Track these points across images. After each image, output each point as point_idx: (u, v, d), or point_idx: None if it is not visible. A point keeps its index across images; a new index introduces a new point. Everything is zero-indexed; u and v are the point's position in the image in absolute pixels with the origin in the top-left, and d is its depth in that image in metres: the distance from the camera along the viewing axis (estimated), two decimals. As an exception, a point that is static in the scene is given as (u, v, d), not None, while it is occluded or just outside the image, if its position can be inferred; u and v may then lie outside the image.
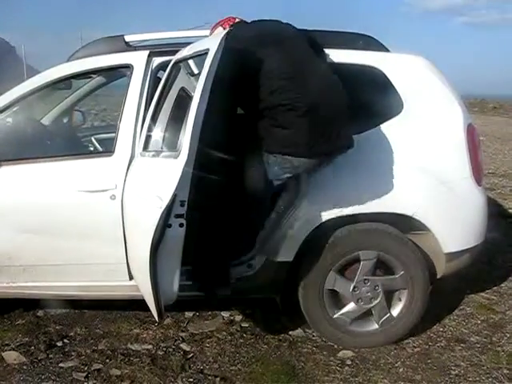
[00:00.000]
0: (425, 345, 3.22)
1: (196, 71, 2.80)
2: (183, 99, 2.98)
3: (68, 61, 3.22)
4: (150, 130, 2.87)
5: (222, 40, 2.40)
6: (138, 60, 3.08)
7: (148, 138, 2.86)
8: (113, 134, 3.11)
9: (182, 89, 3.15)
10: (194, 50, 2.75)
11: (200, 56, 2.61)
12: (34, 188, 3.04)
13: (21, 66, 26.15)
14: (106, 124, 8.76)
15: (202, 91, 2.38)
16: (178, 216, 2.45)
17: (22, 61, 28.30)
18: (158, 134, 2.88)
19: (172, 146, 2.63)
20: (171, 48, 3.08)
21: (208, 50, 2.47)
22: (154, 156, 2.80)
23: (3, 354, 3.10)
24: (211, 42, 2.52)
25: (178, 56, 2.91)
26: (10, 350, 3.15)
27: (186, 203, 2.46)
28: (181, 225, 2.46)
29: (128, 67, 3.09)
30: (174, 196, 2.38)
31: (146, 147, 2.85)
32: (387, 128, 3.07)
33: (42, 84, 3.14)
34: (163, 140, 2.86)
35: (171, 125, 2.88)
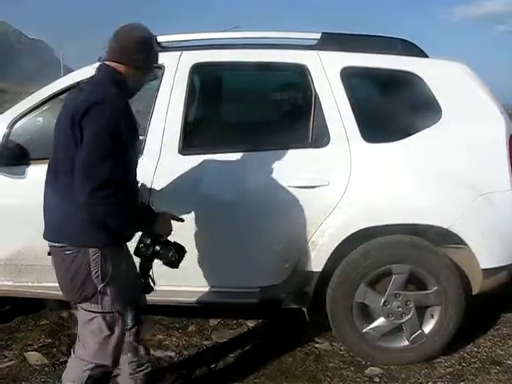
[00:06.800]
0: (458, 365, 3.06)
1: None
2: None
3: (98, 61, 3.19)
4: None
5: None
6: (169, 60, 3.04)
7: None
8: (141, 137, 3.06)
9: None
10: None
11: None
12: None
13: (58, 67, 27.00)
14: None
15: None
16: None
17: (59, 62, 29.20)
18: None
19: None
20: (203, 49, 3.07)
21: None
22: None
23: (26, 354, 3.10)
24: None
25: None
26: (32, 350, 3.15)
27: None
28: None
29: (159, 68, 3.05)
30: None
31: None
32: (424, 136, 2.95)
33: (71, 84, 3.11)
34: None
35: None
